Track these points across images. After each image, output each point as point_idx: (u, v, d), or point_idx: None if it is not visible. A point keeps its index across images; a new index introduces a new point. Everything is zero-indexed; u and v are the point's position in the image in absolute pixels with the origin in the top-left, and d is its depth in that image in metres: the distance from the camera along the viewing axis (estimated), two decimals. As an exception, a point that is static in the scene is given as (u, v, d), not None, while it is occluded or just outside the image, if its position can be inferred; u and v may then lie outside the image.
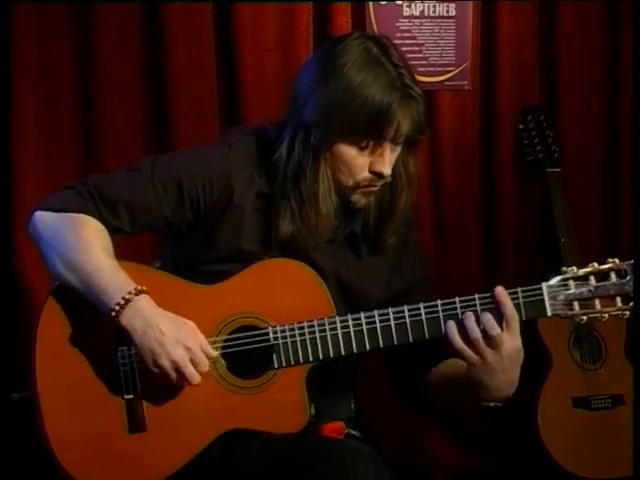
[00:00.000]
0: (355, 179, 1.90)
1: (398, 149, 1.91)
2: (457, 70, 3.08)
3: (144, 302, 1.81)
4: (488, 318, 1.77)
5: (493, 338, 1.76)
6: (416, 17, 3.02)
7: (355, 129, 1.85)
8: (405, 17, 3.01)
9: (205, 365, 1.81)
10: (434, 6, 3.03)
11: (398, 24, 3.00)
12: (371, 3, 2.96)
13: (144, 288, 1.82)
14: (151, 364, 1.80)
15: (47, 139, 2.73)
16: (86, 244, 1.85)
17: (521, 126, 3.14)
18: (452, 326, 1.79)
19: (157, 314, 1.81)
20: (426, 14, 3.03)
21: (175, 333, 1.80)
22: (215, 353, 1.85)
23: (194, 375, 1.80)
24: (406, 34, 3.01)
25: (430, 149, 3.10)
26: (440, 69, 3.06)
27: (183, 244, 1.98)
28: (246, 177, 1.94)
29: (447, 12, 3.04)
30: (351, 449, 1.79)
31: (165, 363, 1.79)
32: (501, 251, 3.19)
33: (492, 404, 1.86)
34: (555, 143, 3.11)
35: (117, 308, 1.79)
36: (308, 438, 1.85)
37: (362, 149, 1.87)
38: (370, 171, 1.89)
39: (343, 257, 2.00)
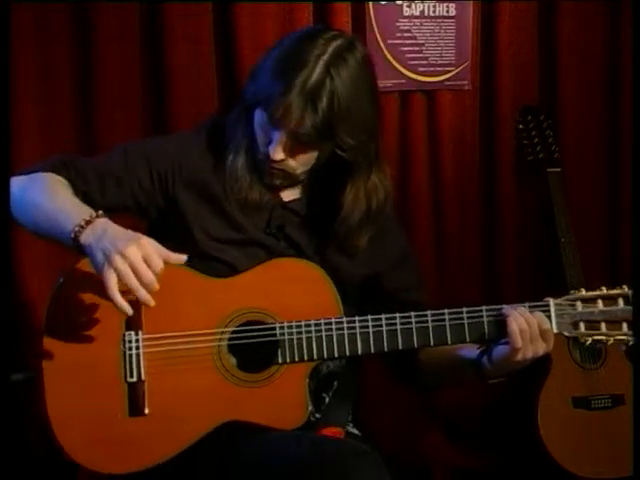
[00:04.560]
0: (260, 150, 1.95)
1: (305, 147, 1.91)
2: (457, 70, 3.08)
3: (103, 220, 1.80)
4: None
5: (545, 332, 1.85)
6: (416, 17, 3.02)
7: (258, 98, 1.90)
8: (405, 17, 3.01)
9: (159, 263, 1.73)
10: (434, 6, 3.03)
11: (398, 24, 3.00)
12: (371, 3, 2.95)
13: (104, 213, 1.81)
14: (103, 265, 1.73)
15: (47, 139, 2.73)
16: (52, 188, 1.90)
17: (521, 126, 3.14)
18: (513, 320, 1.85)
19: (114, 226, 1.79)
20: (426, 14, 3.03)
21: (128, 236, 1.75)
22: (182, 256, 1.79)
23: (147, 273, 1.72)
24: (406, 34, 3.01)
25: (430, 149, 3.10)
26: (440, 69, 3.06)
27: (166, 237, 1.95)
28: (214, 162, 1.99)
29: (447, 12, 3.04)
30: (351, 449, 1.79)
31: (117, 260, 1.71)
32: (501, 251, 3.19)
33: (497, 380, 1.93)
34: (555, 143, 3.11)
35: (77, 229, 1.78)
36: (308, 437, 1.85)
37: (267, 121, 1.90)
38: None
39: (322, 234, 2.02)
